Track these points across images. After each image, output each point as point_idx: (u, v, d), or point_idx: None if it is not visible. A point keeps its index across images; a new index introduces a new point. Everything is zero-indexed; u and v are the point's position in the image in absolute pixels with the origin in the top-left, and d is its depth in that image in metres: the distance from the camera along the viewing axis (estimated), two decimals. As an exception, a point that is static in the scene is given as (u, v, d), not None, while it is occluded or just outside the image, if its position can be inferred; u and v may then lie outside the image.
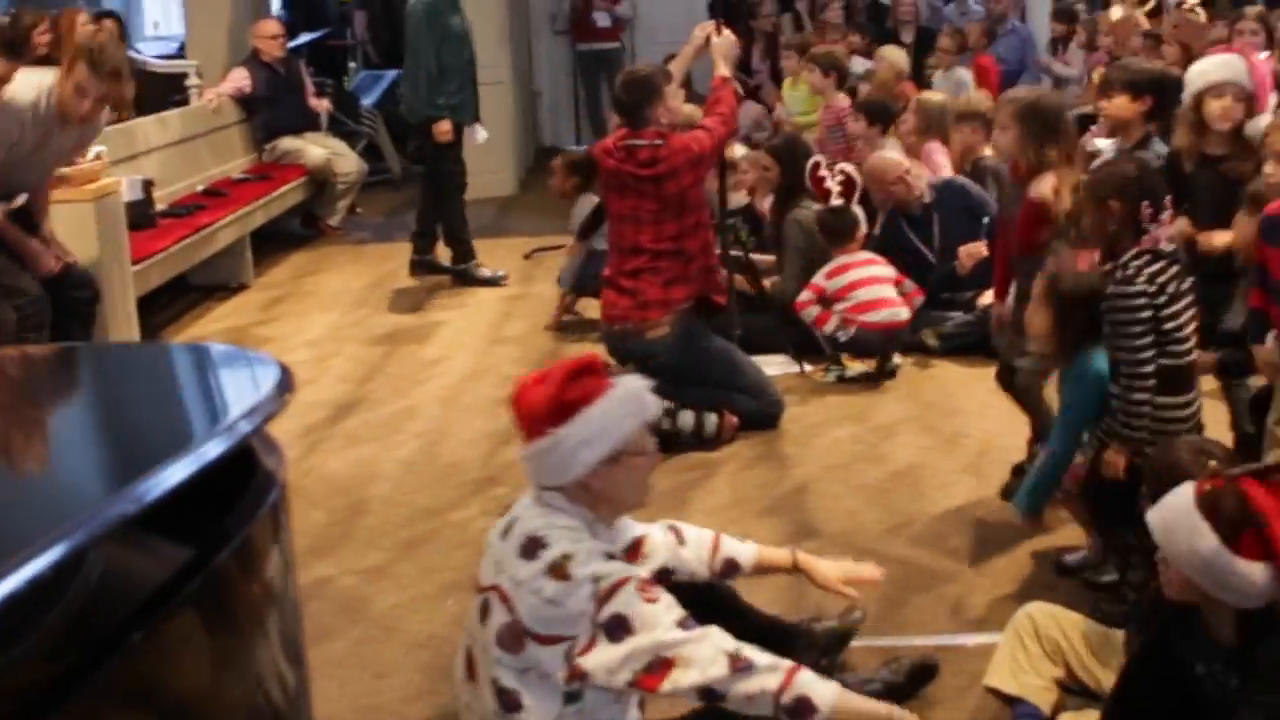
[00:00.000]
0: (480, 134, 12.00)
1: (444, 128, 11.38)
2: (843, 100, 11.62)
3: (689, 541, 4.76)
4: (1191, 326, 5.67)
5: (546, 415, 4.09)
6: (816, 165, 9.51)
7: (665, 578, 4.61)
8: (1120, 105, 7.48)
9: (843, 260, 9.10)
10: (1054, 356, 5.98)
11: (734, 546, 4.84)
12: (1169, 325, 5.53)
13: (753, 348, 8.63)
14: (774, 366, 8.83)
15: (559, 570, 3.93)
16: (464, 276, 11.75)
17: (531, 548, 4.00)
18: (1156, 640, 4.32)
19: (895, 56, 13.18)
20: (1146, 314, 5.48)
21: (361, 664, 5.62)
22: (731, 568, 4.82)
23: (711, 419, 7.83)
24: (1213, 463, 4.59)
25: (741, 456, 7.64)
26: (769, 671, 3.94)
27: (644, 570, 4.23)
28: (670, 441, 7.70)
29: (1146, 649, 4.38)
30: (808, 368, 9.01)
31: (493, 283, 11.54)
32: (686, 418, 7.80)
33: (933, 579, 6.16)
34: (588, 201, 10.44)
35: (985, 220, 9.49)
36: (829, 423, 8.17)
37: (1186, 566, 3.96)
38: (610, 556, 4.05)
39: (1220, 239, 6.77)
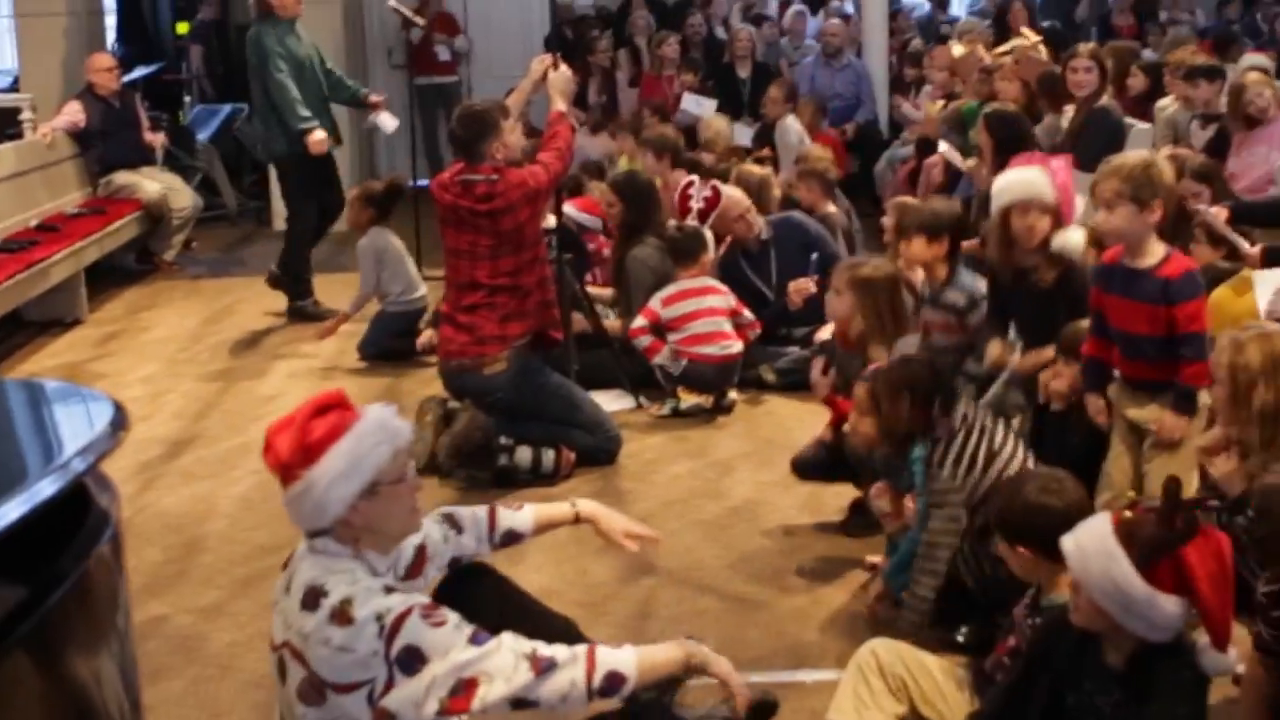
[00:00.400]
0: (389, 123, 11.95)
1: (318, 137, 11.29)
2: (679, 177, 11.62)
3: (466, 526, 4.75)
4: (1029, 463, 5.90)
5: (296, 459, 4.02)
6: (690, 184, 9.65)
7: (455, 566, 4.71)
8: (919, 249, 7.56)
9: (683, 286, 9.16)
10: (890, 454, 6.12)
11: (511, 516, 4.84)
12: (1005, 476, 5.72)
13: (590, 383, 8.66)
14: (611, 401, 8.87)
15: (341, 616, 3.87)
16: (300, 313, 11.68)
17: (312, 598, 3.94)
18: (1030, 668, 4.41)
19: (720, 125, 13.26)
20: (959, 507, 5.73)
21: (198, 703, 5.59)
22: (512, 537, 4.84)
23: (549, 455, 7.86)
24: (1061, 488, 4.73)
25: (579, 492, 7.59)
26: (571, 663, 3.96)
27: (426, 597, 4.19)
28: (508, 477, 7.75)
29: (1019, 677, 4.46)
30: (644, 402, 9.06)
31: (328, 319, 11.45)
32: (524, 454, 7.82)
33: (771, 615, 6.22)
34: (378, 236, 10.46)
35: (814, 256, 9.62)
36: (667, 458, 8.23)
37: (1099, 593, 4.04)
38: (390, 590, 3.99)
39: (1045, 355, 6.85)
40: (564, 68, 8.60)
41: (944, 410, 5.82)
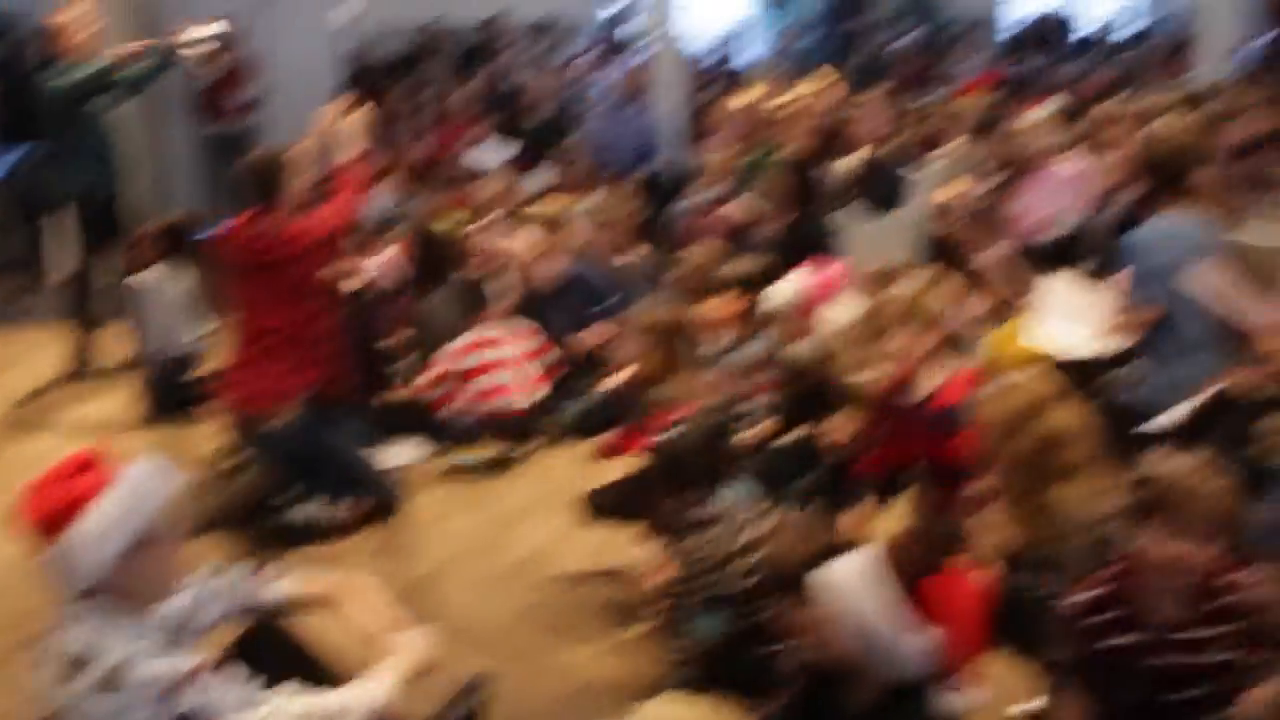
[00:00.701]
0: (214, 27, 11.44)
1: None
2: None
3: (230, 584, 4.63)
4: None
5: (55, 520, 3.91)
6: (479, 229, 9.66)
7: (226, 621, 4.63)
8: (718, 307, 7.62)
9: (475, 337, 9.11)
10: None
11: (272, 587, 4.71)
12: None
13: (381, 434, 8.59)
14: (402, 454, 8.78)
15: (110, 683, 3.78)
16: (80, 365, 11.34)
17: (78, 665, 3.84)
18: (798, 713, 4.41)
19: (503, 180, 13.17)
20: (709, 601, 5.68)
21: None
22: (268, 604, 4.70)
23: (334, 508, 7.78)
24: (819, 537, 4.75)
25: (365, 546, 7.56)
26: (351, 709, 3.99)
27: (203, 657, 4.09)
28: (294, 531, 7.65)
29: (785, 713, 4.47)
30: (437, 454, 8.99)
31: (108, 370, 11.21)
32: (310, 507, 7.77)
33: (563, 667, 6.23)
34: (157, 277, 10.36)
35: (606, 302, 9.65)
36: (456, 510, 8.19)
37: (846, 630, 4.05)
38: (162, 651, 3.91)
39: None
40: (358, 113, 8.49)
41: (693, 505, 5.76)
